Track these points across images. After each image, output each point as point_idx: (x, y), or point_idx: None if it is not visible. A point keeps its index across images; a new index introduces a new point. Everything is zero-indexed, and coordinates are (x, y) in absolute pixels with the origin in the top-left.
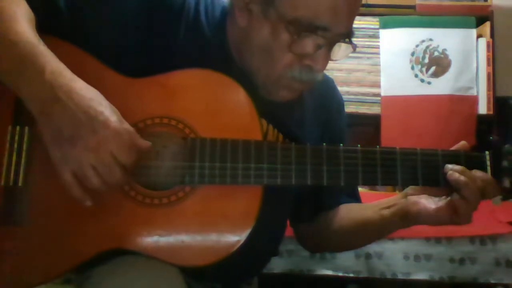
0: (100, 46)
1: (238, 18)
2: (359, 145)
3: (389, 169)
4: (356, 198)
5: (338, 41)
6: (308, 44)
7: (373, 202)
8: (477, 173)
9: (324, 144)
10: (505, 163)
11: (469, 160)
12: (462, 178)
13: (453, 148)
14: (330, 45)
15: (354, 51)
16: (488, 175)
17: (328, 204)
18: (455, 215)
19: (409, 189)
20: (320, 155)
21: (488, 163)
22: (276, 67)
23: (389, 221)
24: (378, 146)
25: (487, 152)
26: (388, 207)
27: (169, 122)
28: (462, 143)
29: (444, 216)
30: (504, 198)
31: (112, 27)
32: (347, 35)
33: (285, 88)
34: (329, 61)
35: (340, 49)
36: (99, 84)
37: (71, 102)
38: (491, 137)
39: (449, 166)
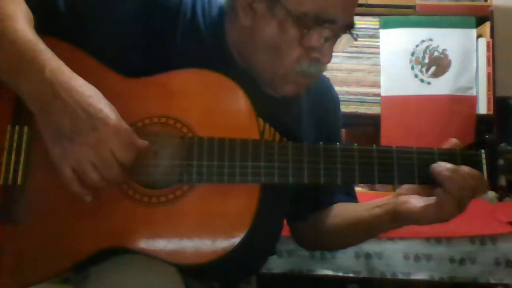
0: (98, 46)
1: (242, 18)
2: (355, 144)
3: (386, 167)
4: (352, 197)
5: (344, 32)
6: (317, 37)
7: (368, 201)
8: (464, 168)
9: (321, 143)
10: (501, 162)
11: (465, 159)
12: (445, 171)
13: (445, 147)
14: (335, 37)
15: (356, 40)
16: (475, 170)
17: (324, 202)
18: (440, 210)
19: (401, 189)
20: (317, 153)
21: (484, 161)
22: (285, 63)
23: (380, 220)
24: (374, 145)
25: (482, 151)
26: (380, 206)
27: (167, 121)
28: (455, 142)
29: (430, 212)
30: (501, 197)
31: (110, 28)
32: (351, 26)
33: (292, 83)
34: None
35: (342, 41)
36: (97, 84)
37: (71, 99)
38: (486, 136)
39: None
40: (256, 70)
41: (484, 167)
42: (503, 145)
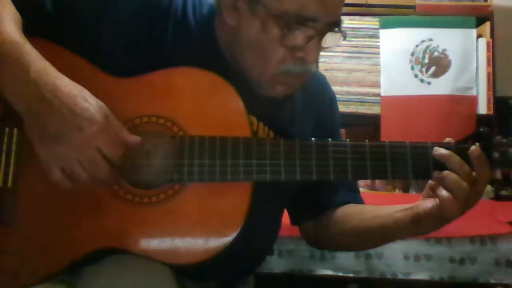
0: (87, 46)
1: (227, 18)
2: (347, 140)
3: (379, 162)
4: (356, 191)
5: (328, 31)
6: (299, 36)
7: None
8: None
9: (313, 139)
10: (496, 155)
11: (459, 152)
12: (446, 152)
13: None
14: (320, 36)
15: (344, 39)
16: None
17: (331, 202)
18: (443, 210)
19: (426, 191)
20: (309, 150)
21: None
22: (270, 63)
23: (401, 224)
24: (367, 140)
25: (477, 144)
26: (402, 211)
27: (157, 120)
28: (449, 140)
29: (434, 213)
30: (497, 190)
31: (99, 28)
32: (336, 24)
33: (281, 84)
34: (329, 54)
35: (331, 38)
36: (86, 84)
37: (56, 99)
38: (481, 129)
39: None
40: (245, 70)
41: None
42: (498, 138)
